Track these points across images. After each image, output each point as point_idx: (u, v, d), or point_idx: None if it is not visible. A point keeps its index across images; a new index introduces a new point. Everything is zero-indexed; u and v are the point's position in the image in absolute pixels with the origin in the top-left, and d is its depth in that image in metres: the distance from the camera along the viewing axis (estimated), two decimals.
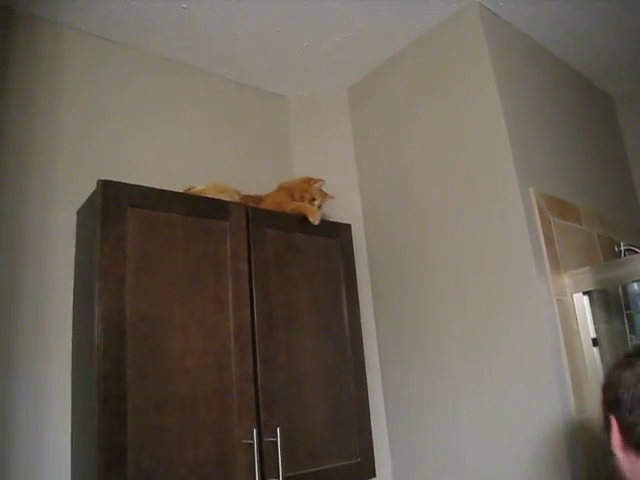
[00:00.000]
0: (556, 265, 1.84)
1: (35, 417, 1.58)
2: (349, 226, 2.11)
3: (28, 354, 1.62)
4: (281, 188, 2.08)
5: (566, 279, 1.86)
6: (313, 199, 2.02)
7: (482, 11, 2.00)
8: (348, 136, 2.50)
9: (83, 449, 1.50)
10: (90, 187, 1.60)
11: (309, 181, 2.05)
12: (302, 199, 2.02)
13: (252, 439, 1.58)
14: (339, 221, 2.10)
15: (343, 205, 2.27)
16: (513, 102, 1.96)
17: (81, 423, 1.54)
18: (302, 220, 1.96)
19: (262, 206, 1.95)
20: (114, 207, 1.53)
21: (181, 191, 1.78)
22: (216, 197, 1.79)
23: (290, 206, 1.97)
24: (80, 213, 1.75)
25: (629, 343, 2.04)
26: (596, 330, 1.84)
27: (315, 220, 1.94)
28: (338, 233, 2.06)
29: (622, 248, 2.23)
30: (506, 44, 2.08)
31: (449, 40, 2.09)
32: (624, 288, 2.07)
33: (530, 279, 1.74)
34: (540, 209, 1.85)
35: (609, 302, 2.01)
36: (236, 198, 1.86)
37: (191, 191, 1.81)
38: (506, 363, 1.77)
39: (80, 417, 1.55)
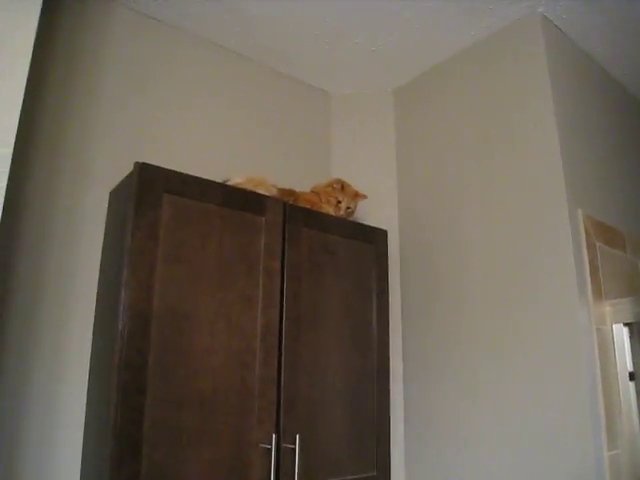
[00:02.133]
0: (598, 293, 1.76)
1: (49, 406, 1.54)
2: (385, 232, 2.04)
3: (47, 338, 1.57)
4: (312, 190, 2.03)
5: (607, 308, 1.78)
6: (339, 202, 1.97)
7: (544, 22, 1.91)
8: (390, 139, 2.43)
9: (96, 441, 1.45)
10: (125, 168, 1.55)
11: (332, 184, 2.02)
12: (328, 202, 1.98)
13: (270, 444, 1.53)
14: (376, 226, 2.03)
15: (379, 209, 2.21)
16: (567, 119, 1.88)
17: (96, 414, 1.49)
18: (339, 222, 1.90)
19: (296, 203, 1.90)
20: (150, 191, 1.47)
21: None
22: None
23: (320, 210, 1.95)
24: (114, 194, 1.70)
25: None
26: (633, 364, 1.76)
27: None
28: (374, 238, 2.00)
29: None
30: (565, 60, 1.99)
31: (506, 50, 2.01)
32: None
33: (571, 305, 1.67)
34: (587, 233, 1.78)
35: None
36: (273, 192, 1.80)
37: (227, 183, 1.76)
38: (537, 391, 1.70)
39: (95, 408, 1.51)
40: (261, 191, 1.75)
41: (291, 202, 1.82)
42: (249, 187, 1.74)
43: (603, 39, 2.05)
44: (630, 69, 2.26)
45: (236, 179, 1.76)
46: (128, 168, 1.53)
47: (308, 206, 1.90)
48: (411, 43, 2.13)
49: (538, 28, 1.90)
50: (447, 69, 2.24)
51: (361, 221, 2.06)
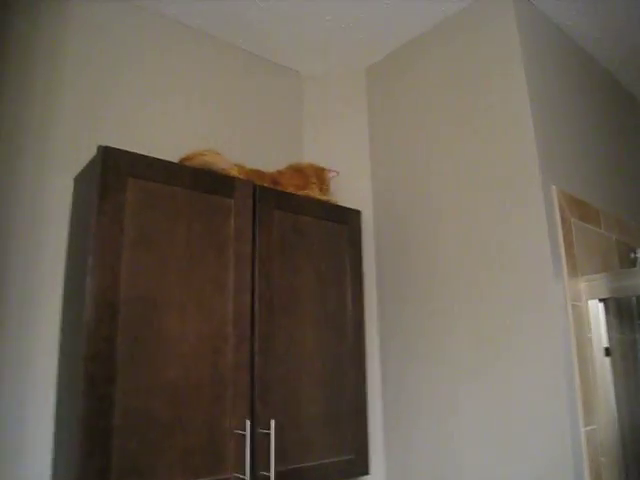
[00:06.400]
0: (573, 269, 1.75)
1: (17, 398, 1.50)
2: (359, 212, 2.02)
3: (14, 328, 1.52)
4: (296, 170, 1.99)
5: (582, 284, 1.78)
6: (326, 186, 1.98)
7: None
8: (363, 118, 2.39)
9: (67, 433, 1.41)
10: (91, 153, 1.50)
11: (323, 170, 2.02)
12: (321, 186, 2.00)
13: (245, 430, 1.51)
14: (349, 206, 2.00)
15: (353, 190, 2.18)
16: (541, 95, 1.86)
17: (66, 405, 1.45)
18: (311, 203, 1.88)
19: (279, 186, 1.88)
20: (114, 176, 1.43)
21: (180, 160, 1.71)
22: (215, 162, 1.71)
23: (313, 193, 1.94)
24: (78, 180, 1.65)
25: None
26: (609, 339, 1.76)
27: None
28: (347, 219, 1.97)
29: (638, 255, 2.15)
30: (537, 33, 1.96)
31: (478, 24, 1.98)
32: (638, 297, 2.00)
33: (546, 281, 1.66)
34: (561, 209, 1.76)
35: (621, 310, 1.93)
36: (232, 166, 1.76)
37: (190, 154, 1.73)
38: (513, 368, 1.69)
39: (65, 399, 1.47)
40: (222, 163, 1.72)
41: (265, 184, 1.79)
42: (211, 158, 1.71)
43: (575, 13, 2.02)
44: (603, 43, 2.24)
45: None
46: (92, 153, 1.49)
47: (296, 189, 1.88)
48: (381, 20, 2.09)
49: (509, 1, 1.87)
50: (419, 46, 2.20)
51: (335, 203, 2.03)
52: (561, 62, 2.10)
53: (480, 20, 1.97)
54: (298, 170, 1.98)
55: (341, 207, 1.98)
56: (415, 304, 2.03)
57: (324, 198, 1.96)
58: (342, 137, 2.39)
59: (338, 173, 2.01)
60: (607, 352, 1.75)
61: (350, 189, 2.13)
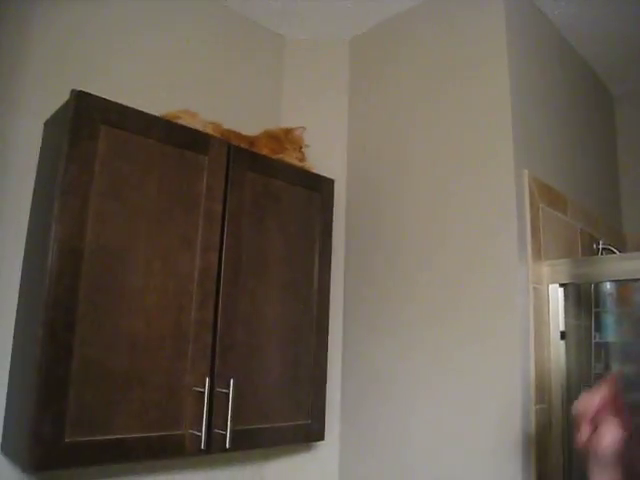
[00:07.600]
0: (537, 253, 1.79)
1: None
2: (332, 181, 2.01)
3: None
4: (271, 135, 1.96)
5: (545, 268, 1.81)
6: (301, 147, 1.95)
7: None
8: (343, 88, 2.37)
9: (21, 380, 1.39)
10: (64, 97, 1.45)
11: (290, 130, 1.98)
12: (293, 148, 1.96)
13: (203, 388, 1.51)
14: (323, 174, 1.99)
15: (328, 159, 2.17)
16: (521, 80, 1.87)
17: (22, 352, 1.43)
18: (285, 167, 1.87)
19: (255, 149, 1.85)
20: (86, 122, 1.39)
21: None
22: (190, 124, 1.67)
23: (288, 158, 1.92)
24: (48, 125, 1.60)
25: (593, 340, 2.04)
26: (565, 324, 1.81)
27: None
28: (320, 187, 1.97)
29: (600, 246, 2.20)
30: (524, 20, 1.97)
31: (466, 5, 1.97)
32: (596, 286, 2.05)
33: (511, 263, 1.69)
34: (531, 194, 1.79)
35: (580, 297, 1.98)
36: (207, 126, 1.73)
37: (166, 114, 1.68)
38: (471, 344, 1.73)
39: (22, 346, 1.44)
40: (196, 124, 1.69)
41: (239, 144, 1.77)
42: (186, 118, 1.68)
43: (564, 4, 2.03)
44: (588, 38, 2.26)
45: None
46: (65, 97, 1.44)
47: (272, 153, 1.86)
48: None
49: None
50: (405, 21, 2.19)
51: (309, 170, 2.02)
52: (545, 51, 2.11)
53: (468, 1, 1.96)
54: (273, 136, 1.96)
55: (315, 174, 1.97)
56: (379, 278, 2.05)
57: (299, 164, 1.95)
58: (321, 105, 2.37)
59: (305, 128, 1.98)
60: (562, 336, 1.80)
61: (325, 158, 2.11)
